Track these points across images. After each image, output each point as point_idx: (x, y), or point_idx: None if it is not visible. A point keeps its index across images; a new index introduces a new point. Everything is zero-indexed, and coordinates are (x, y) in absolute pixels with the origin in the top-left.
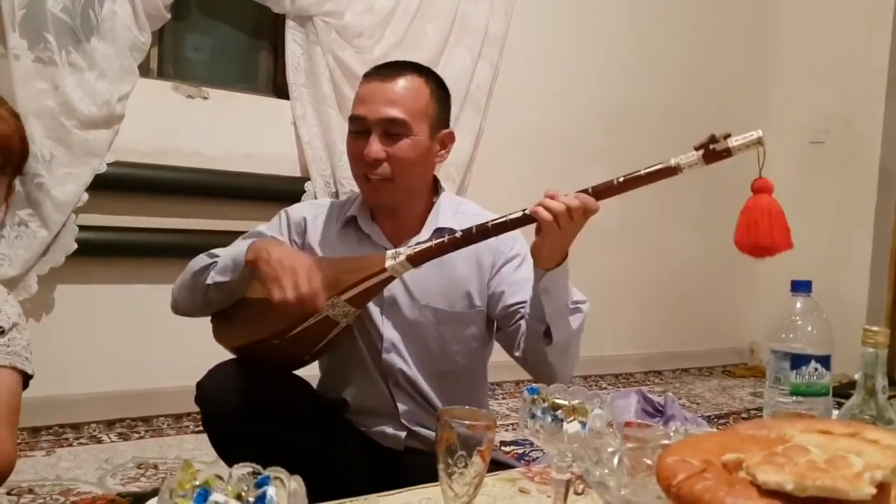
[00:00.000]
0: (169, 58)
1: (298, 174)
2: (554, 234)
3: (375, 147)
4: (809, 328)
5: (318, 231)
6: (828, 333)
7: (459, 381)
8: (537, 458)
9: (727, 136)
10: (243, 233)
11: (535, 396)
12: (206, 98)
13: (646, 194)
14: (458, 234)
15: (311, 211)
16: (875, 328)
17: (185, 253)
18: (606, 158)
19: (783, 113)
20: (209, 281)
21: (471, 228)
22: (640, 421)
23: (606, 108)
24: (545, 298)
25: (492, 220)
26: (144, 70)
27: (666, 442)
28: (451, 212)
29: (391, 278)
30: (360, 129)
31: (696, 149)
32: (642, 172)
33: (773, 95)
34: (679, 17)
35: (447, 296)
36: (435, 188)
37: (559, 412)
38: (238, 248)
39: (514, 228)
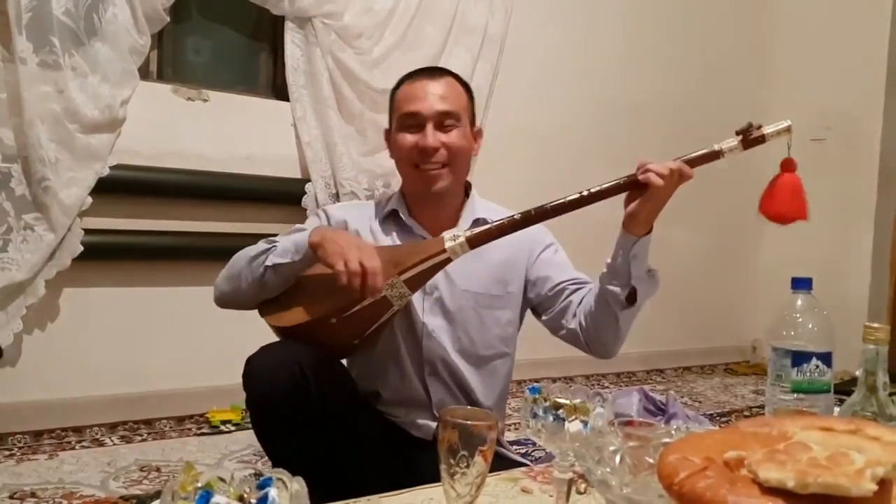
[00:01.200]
0: (168, 60)
1: (299, 175)
2: (657, 198)
3: (433, 137)
4: (810, 325)
5: (358, 229)
6: (829, 330)
7: (495, 369)
8: (540, 457)
9: (760, 126)
10: (244, 235)
11: (537, 396)
12: (205, 100)
13: None
14: (516, 216)
15: (349, 211)
16: (876, 325)
17: (186, 255)
18: (607, 157)
19: (783, 110)
20: (269, 262)
21: (529, 210)
22: (641, 419)
23: (606, 106)
24: (633, 263)
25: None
26: (144, 73)
27: (667, 440)
28: (485, 207)
29: (448, 260)
30: (414, 123)
31: (737, 134)
32: (692, 156)
33: (773, 93)
34: (679, 15)
35: (485, 280)
36: (466, 185)
37: (561, 411)
38: (299, 235)
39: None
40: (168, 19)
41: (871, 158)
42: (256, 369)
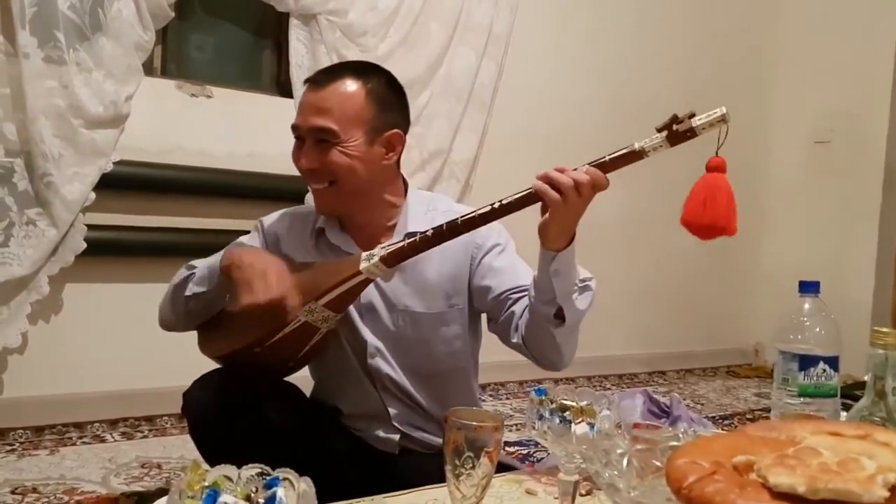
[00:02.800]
0: (172, 57)
1: None
2: (562, 211)
3: (306, 157)
4: (818, 329)
5: (292, 243)
6: (836, 334)
7: (447, 382)
8: (542, 459)
9: (691, 116)
10: (246, 231)
11: (543, 398)
12: (209, 97)
13: (650, 193)
14: (428, 232)
15: (284, 223)
16: (885, 329)
17: (189, 252)
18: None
19: (788, 113)
20: (188, 292)
21: (441, 226)
22: (648, 422)
23: (611, 105)
24: (556, 280)
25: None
26: (148, 69)
27: (675, 443)
28: (422, 213)
29: (368, 281)
30: (297, 136)
31: (659, 130)
32: (607, 158)
33: (777, 95)
34: (683, 16)
35: (424, 297)
36: (403, 191)
37: (567, 413)
38: (214, 258)
39: (517, 209)
40: (173, 15)
41: (876, 161)
42: (191, 404)
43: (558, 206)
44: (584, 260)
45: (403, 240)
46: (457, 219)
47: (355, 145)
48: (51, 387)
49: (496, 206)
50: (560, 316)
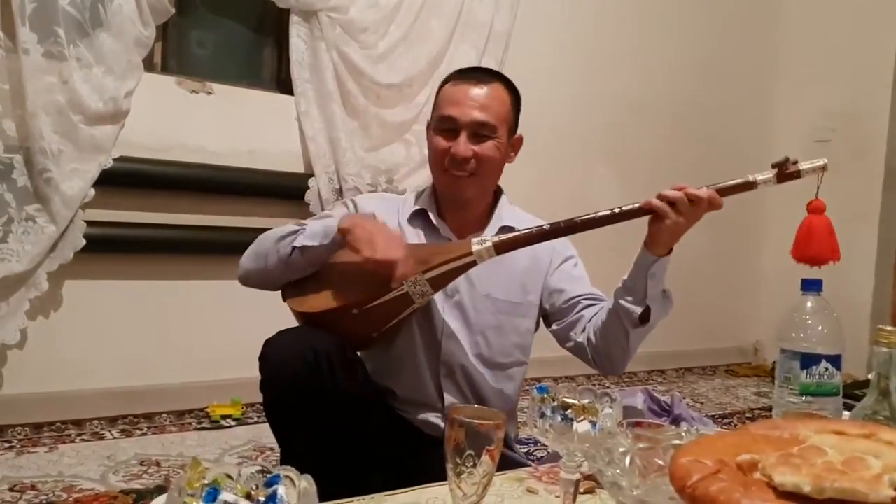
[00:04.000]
0: (173, 53)
1: (302, 170)
2: (672, 220)
3: (465, 146)
4: (820, 327)
5: (386, 222)
6: (839, 333)
7: (509, 375)
8: (542, 457)
9: (797, 161)
10: (246, 229)
11: (545, 396)
12: (210, 93)
13: (649, 191)
14: (545, 226)
15: (379, 203)
16: (889, 328)
17: (189, 249)
18: (612, 156)
19: (789, 112)
20: (298, 244)
21: (559, 222)
22: (650, 421)
23: (612, 105)
24: (650, 282)
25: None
26: (148, 65)
27: (677, 442)
28: (512, 214)
29: (473, 263)
30: (449, 127)
31: (773, 167)
32: (726, 184)
33: (778, 94)
34: (685, 15)
35: (506, 287)
36: (498, 190)
37: (569, 412)
38: (328, 220)
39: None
40: (173, 11)
41: (877, 160)
42: (272, 352)
43: (668, 215)
44: (584, 259)
45: (516, 230)
46: (577, 217)
47: (502, 142)
48: (49, 384)
49: (617, 211)
50: (643, 318)
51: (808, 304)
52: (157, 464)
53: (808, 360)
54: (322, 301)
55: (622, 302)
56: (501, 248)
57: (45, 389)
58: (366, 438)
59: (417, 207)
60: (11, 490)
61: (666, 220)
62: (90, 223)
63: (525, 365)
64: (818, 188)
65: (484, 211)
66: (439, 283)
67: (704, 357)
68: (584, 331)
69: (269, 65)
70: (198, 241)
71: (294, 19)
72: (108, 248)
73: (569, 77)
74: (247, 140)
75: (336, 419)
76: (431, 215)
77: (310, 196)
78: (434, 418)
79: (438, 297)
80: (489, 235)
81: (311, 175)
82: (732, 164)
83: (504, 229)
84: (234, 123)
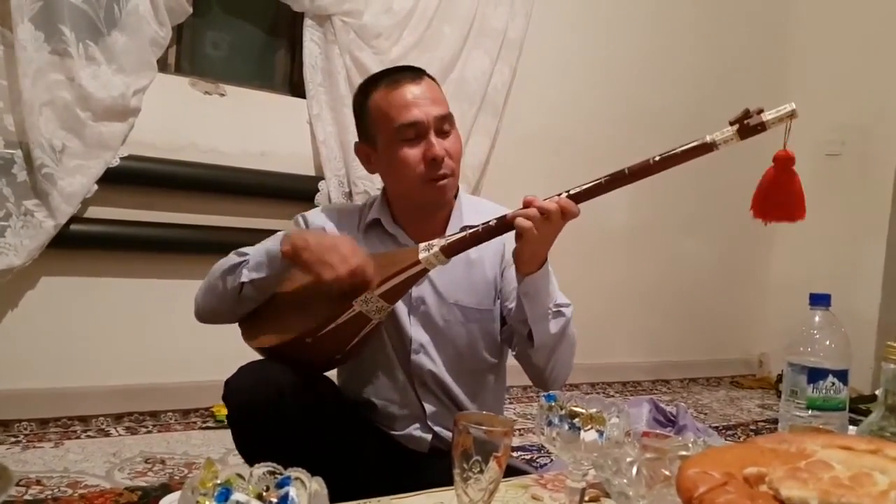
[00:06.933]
0: (186, 54)
1: (312, 173)
2: (532, 238)
3: (439, 145)
4: (828, 342)
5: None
6: (846, 348)
7: (485, 381)
8: (545, 464)
9: (760, 111)
10: (255, 230)
11: (553, 404)
12: (222, 95)
13: (658, 203)
14: (492, 223)
15: (329, 216)
16: None
17: (197, 248)
18: (623, 163)
19: (798, 125)
20: (244, 279)
21: (489, 221)
22: (658, 431)
23: (622, 112)
24: (526, 302)
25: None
26: (162, 65)
27: (684, 453)
28: (473, 210)
29: (424, 271)
30: (414, 134)
31: (732, 123)
32: (678, 150)
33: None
34: (695, 25)
35: (475, 293)
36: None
37: (576, 420)
38: (269, 243)
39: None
40: (191, 10)
41: (886, 174)
42: (233, 392)
43: (529, 234)
44: (589, 268)
45: (461, 231)
46: (505, 214)
47: (458, 131)
48: (56, 380)
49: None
50: (531, 338)
51: (816, 319)
52: (162, 462)
53: (815, 375)
54: (273, 336)
55: (511, 323)
56: (449, 250)
57: (51, 385)
58: (348, 464)
59: (371, 218)
60: (17, 485)
61: (524, 237)
62: (99, 220)
63: (497, 364)
64: (787, 135)
65: (444, 213)
66: (393, 295)
67: (709, 368)
68: (514, 347)
69: (282, 68)
70: (208, 242)
71: (308, 23)
72: (116, 246)
73: (581, 85)
74: (258, 142)
75: (310, 451)
76: (385, 224)
77: (319, 199)
78: (416, 431)
79: (404, 309)
80: (441, 238)
81: (322, 178)
82: (742, 176)
83: (465, 229)
84: (246, 125)
